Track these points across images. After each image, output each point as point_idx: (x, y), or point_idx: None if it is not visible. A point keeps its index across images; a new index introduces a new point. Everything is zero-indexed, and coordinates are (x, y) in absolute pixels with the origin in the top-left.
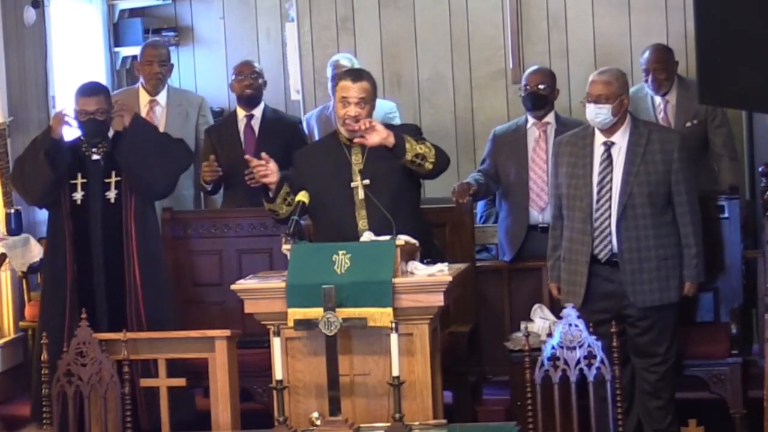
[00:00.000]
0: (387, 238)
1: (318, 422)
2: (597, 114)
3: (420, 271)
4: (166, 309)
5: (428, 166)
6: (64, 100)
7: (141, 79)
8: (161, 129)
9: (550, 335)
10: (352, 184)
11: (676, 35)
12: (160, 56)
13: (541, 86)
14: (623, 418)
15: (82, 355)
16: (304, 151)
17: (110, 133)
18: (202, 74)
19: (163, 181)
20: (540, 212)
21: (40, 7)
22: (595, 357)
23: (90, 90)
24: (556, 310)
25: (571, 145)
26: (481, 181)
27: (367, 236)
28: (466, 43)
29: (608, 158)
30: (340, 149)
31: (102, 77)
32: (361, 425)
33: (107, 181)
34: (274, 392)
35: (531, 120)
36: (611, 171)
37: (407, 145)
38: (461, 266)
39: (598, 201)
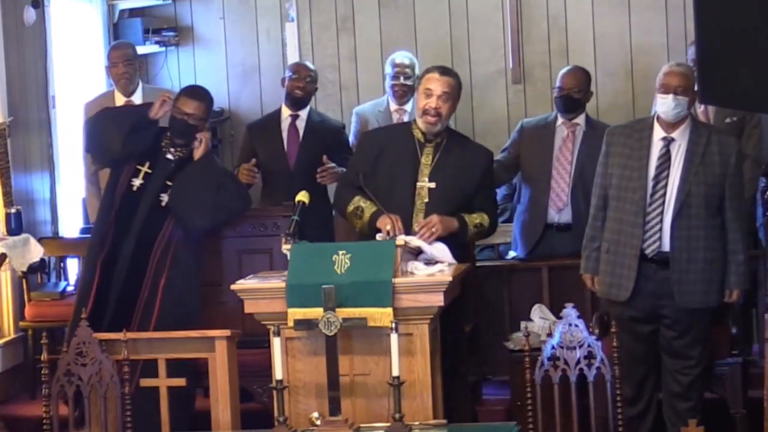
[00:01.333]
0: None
1: (318, 422)
2: (676, 105)
3: (420, 271)
4: (181, 323)
5: (475, 239)
6: (64, 100)
7: (113, 82)
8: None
9: (550, 335)
10: (418, 184)
11: (676, 35)
12: (125, 56)
13: (575, 90)
14: (640, 418)
15: (82, 355)
16: (373, 134)
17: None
18: (202, 74)
19: (205, 225)
20: (558, 212)
21: (40, 7)
22: (595, 357)
23: (194, 93)
24: (556, 310)
25: (625, 136)
26: None
27: (381, 237)
28: (466, 43)
29: (667, 154)
30: (411, 143)
31: (102, 77)
32: (361, 425)
33: (168, 183)
34: (274, 392)
35: (561, 119)
36: (669, 167)
37: (468, 233)
38: (461, 266)
39: (652, 195)
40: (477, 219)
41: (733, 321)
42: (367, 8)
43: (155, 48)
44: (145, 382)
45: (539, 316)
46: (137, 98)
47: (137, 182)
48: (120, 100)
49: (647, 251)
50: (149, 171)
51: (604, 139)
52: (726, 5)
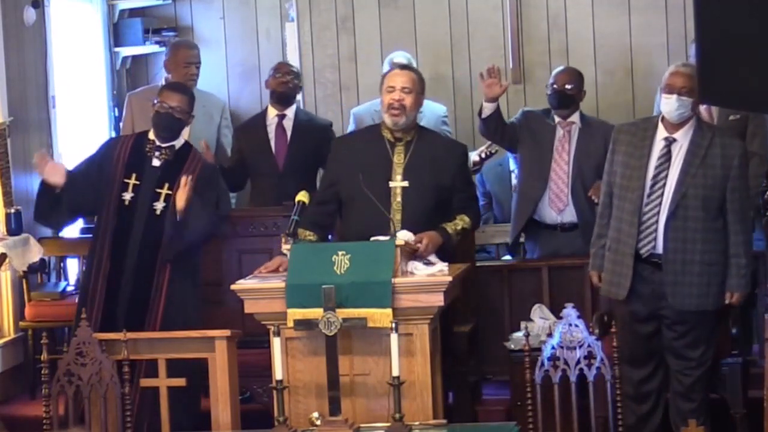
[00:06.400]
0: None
1: (318, 422)
2: (679, 105)
3: (420, 271)
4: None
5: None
6: (64, 100)
7: (168, 77)
8: (186, 130)
9: (550, 335)
10: (391, 183)
11: (676, 35)
12: (197, 57)
13: (568, 86)
14: (648, 417)
15: (82, 355)
16: (344, 140)
17: (179, 144)
18: (202, 74)
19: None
20: (559, 213)
21: (40, 7)
22: (595, 357)
23: (176, 87)
24: (556, 310)
25: (630, 134)
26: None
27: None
28: (466, 43)
29: (667, 154)
30: (382, 144)
31: (102, 77)
32: (361, 425)
33: (158, 191)
34: (274, 392)
35: (556, 119)
36: (668, 168)
37: (452, 240)
38: (461, 266)
39: (649, 195)
40: (459, 225)
41: (733, 321)
42: (367, 8)
43: (155, 48)
44: (145, 382)
45: (539, 316)
46: None
47: (128, 196)
48: None
49: (641, 252)
50: (137, 183)
51: (611, 136)
52: (726, 5)
